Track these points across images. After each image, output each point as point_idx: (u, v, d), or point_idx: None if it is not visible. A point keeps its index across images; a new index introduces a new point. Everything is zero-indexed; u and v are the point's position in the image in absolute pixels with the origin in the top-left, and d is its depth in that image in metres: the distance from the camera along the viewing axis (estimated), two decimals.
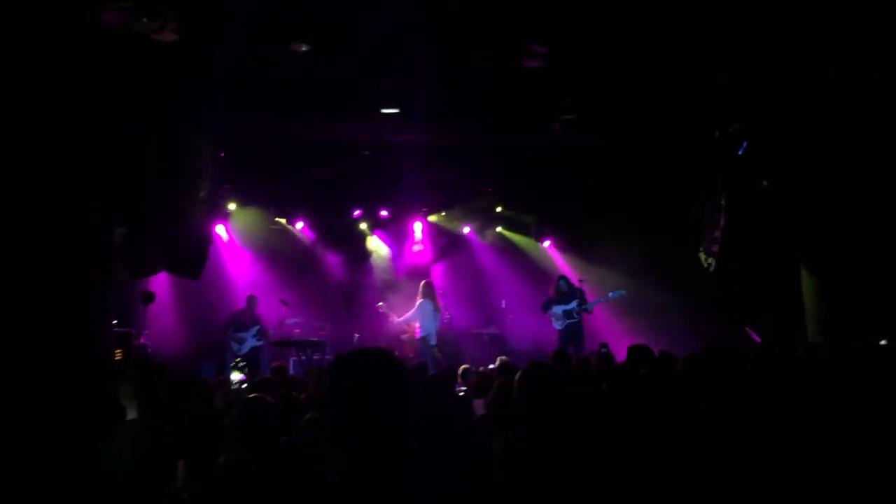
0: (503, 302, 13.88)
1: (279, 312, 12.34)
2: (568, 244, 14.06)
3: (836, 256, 9.28)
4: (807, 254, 9.75)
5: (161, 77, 7.72)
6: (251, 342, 11.92)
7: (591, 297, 12.13)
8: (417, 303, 11.83)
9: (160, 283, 11.75)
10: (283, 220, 14.01)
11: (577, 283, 12.13)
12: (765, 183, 10.37)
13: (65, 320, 4.26)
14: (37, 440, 3.84)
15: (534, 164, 12.05)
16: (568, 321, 11.83)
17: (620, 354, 7.55)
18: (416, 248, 14.26)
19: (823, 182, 9.22)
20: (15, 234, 4.23)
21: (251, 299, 12.23)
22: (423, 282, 12.28)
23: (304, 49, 8.03)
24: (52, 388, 4.05)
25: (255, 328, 11.98)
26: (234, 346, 11.91)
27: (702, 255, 11.55)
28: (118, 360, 9.09)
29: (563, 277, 12.24)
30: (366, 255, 14.36)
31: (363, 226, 14.31)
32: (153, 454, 3.58)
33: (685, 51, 8.04)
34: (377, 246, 14.44)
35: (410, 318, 11.90)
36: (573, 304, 11.84)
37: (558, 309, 11.92)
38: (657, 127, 10.17)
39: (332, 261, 14.15)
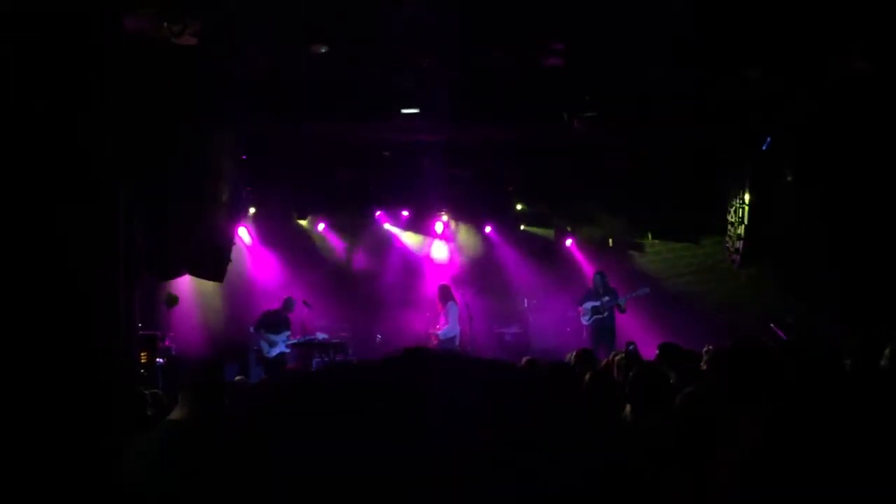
0: (525, 301, 13.82)
1: (301, 314, 12.31)
2: (590, 242, 13.97)
3: (861, 251, 9.17)
4: (832, 248, 9.64)
5: (185, 80, 7.77)
6: (281, 347, 11.60)
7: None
8: (448, 306, 11.87)
9: (183, 285, 11.78)
10: (305, 222, 14.03)
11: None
12: (789, 178, 10.27)
13: (92, 323, 4.30)
14: (65, 441, 3.86)
15: (555, 162, 12.01)
16: (595, 317, 11.76)
17: (648, 351, 7.50)
18: (437, 254, 14.23)
19: (849, 176, 9.11)
20: (42, 236, 4.27)
21: (288, 302, 11.87)
22: (441, 285, 12.29)
23: (323, 51, 8.05)
24: (79, 390, 4.08)
25: (287, 332, 11.67)
26: (265, 346, 11.62)
27: (727, 252, 11.46)
28: (143, 362, 9.16)
29: (600, 273, 12.14)
30: (388, 254, 14.35)
31: (386, 226, 14.29)
32: (191, 455, 3.58)
33: (710, 46, 7.97)
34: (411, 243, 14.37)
35: (450, 323, 11.89)
36: (602, 301, 11.77)
37: (588, 304, 11.88)
38: (681, 122, 10.09)
39: (354, 261, 14.16)
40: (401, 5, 7.16)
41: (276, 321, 11.72)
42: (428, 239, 14.37)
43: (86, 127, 4.48)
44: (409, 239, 14.36)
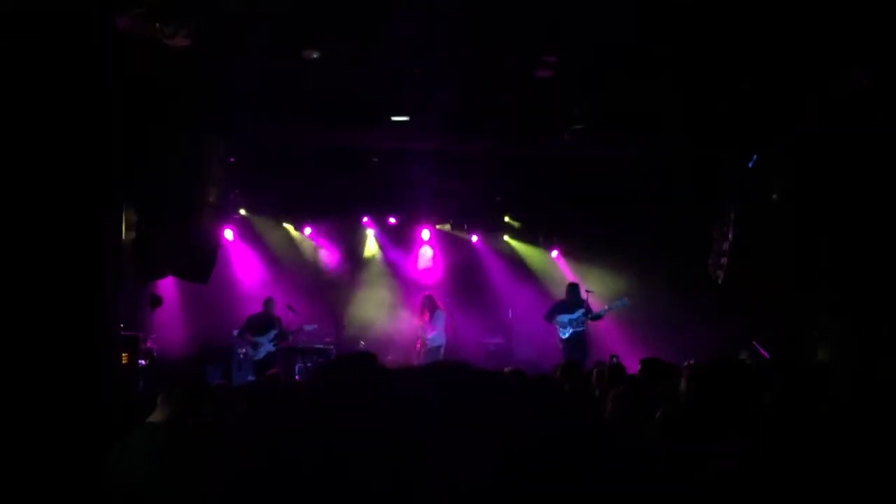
0: (510, 312, 13.83)
1: (286, 318, 12.27)
2: (576, 254, 14.00)
3: (855, 273, 9.19)
4: (826, 268, 9.65)
5: (175, 83, 7.76)
6: (267, 347, 11.60)
7: (595, 307, 12.03)
8: (435, 314, 11.90)
9: (166, 286, 11.74)
10: (291, 226, 14.02)
11: (584, 294, 12.04)
12: (774, 196, 10.33)
13: (76, 323, 4.27)
14: (50, 441, 3.84)
15: (543, 174, 12.06)
16: (575, 330, 11.75)
17: (629, 366, 7.52)
18: (423, 262, 14.26)
19: (844, 195, 9.12)
20: (28, 235, 4.25)
21: (268, 302, 11.90)
22: (427, 295, 12.30)
23: (315, 56, 8.06)
24: (62, 391, 4.05)
25: (273, 332, 11.66)
26: (250, 351, 11.69)
27: (710, 268, 11.51)
28: (125, 364, 9.10)
29: (574, 285, 12.15)
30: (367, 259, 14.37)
31: (370, 232, 14.31)
32: (172, 457, 3.57)
33: (702, 61, 8.03)
34: (375, 249, 14.42)
35: (438, 330, 11.93)
36: (579, 314, 11.76)
37: (564, 318, 11.82)
38: (670, 137, 10.15)
39: (338, 266, 14.15)
40: (395, 15, 7.18)
41: (258, 323, 11.73)
42: (414, 246, 14.38)
43: (77, 125, 4.47)
44: (395, 245, 14.38)
